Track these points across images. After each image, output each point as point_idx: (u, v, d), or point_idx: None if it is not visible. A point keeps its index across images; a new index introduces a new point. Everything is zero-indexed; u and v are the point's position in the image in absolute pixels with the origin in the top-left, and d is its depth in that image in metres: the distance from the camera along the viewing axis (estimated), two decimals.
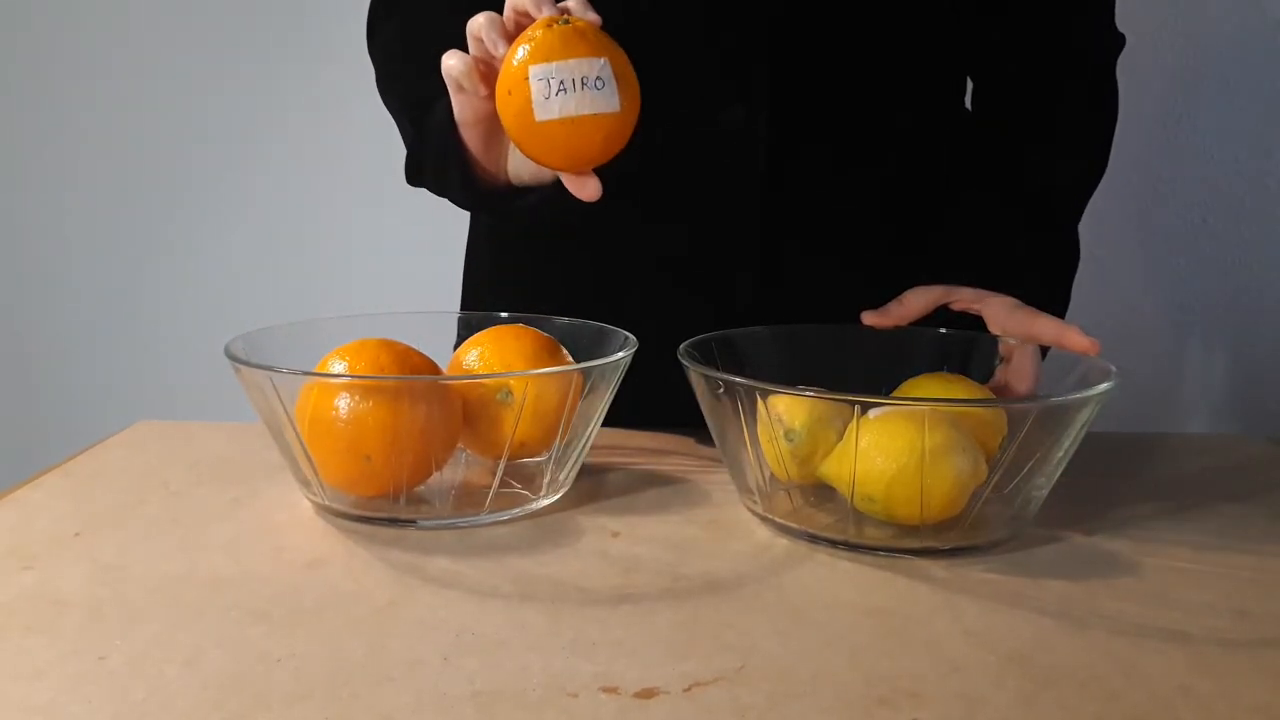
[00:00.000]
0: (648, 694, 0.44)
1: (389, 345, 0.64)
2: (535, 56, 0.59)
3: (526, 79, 0.59)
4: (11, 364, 1.72)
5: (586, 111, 0.59)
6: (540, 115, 0.59)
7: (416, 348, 0.66)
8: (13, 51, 1.60)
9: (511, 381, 0.64)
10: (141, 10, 1.56)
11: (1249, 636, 0.50)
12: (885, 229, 0.82)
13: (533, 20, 0.61)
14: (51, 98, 1.61)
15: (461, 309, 0.91)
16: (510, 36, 0.61)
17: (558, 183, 0.64)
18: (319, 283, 1.60)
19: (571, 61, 0.58)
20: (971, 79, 0.87)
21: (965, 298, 0.73)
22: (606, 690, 0.44)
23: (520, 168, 0.70)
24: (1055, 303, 0.77)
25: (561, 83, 0.58)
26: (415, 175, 0.77)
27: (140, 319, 1.67)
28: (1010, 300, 0.72)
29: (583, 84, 0.59)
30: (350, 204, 1.55)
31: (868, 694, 0.44)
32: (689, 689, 0.44)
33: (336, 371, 0.62)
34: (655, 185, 0.77)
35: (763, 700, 0.44)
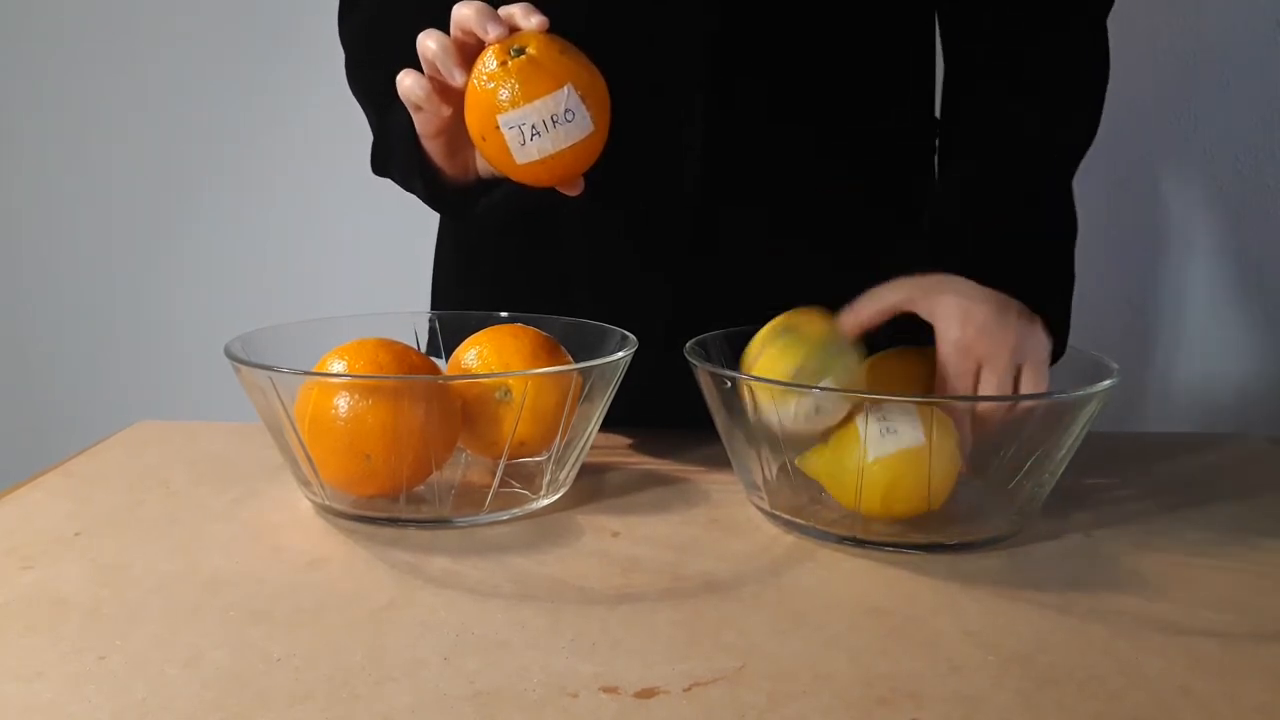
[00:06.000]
0: (648, 694, 0.44)
1: (388, 345, 0.64)
2: (501, 103, 0.59)
3: (498, 128, 0.59)
4: (11, 364, 1.72)
5: (564, 146, 0.60)
6: (520, 159, 0.60)
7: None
8: (12, 51, 1.60)
9: (511, 381, 0.64)
10: (138, 9, 1.56)
11: (1250, 636, 0.50)
12: (848, 212, 0.80)
13: (481, 40, 0.60)
14: (50, 97, 1.61)
15: (431, 308, 0.91)
16: (464, 61, 0.61)
17: None
18: (318, 283, 1.60)
19: (537, 103, 0.58)
20: (943, 46, 0.82)
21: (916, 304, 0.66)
22: (606, 690, 0.44)
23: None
24: (1055, 272, 0.73)
25: (533, 127, 0.59)
26: (380, 169, 0.76)
27: (140, 319, 1.66)
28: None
29: (553, 122, 0.59)
30: (351, 204, 1.55)
31: (868, 694, 0.44)
32: (689, 689, 0.44)
33: (336, 371, 0.62)
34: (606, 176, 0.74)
35: (763, 700, 0.44)
